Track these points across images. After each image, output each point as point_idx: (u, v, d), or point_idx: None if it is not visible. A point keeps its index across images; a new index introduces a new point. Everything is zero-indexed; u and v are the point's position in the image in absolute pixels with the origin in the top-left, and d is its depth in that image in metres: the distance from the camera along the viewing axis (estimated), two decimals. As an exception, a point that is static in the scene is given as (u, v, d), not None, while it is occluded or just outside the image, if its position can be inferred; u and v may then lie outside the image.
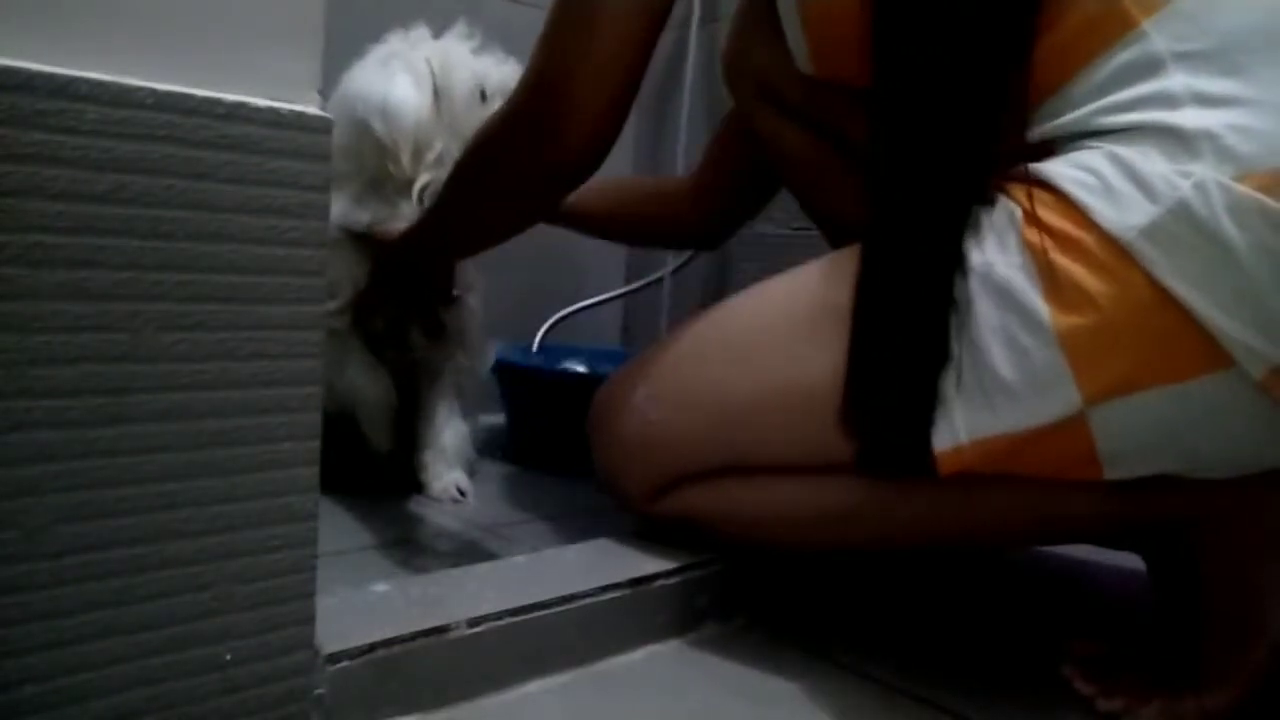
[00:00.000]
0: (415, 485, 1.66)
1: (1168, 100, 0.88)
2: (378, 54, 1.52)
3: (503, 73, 1.53)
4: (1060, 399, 0.90)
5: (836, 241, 1.33)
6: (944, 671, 1.10)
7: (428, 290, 1.48)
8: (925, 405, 0.97)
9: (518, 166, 1.12)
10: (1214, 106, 0.87)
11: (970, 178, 0.97)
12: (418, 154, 1.48)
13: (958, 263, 0.95)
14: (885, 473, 1.03)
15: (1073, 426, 0.91)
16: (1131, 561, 1.36)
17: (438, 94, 1.50)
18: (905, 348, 0.98)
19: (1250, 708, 0.97)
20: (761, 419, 1.10)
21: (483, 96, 1.51)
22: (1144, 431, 0.91)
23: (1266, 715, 0.98)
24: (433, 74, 1.50)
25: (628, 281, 2.49)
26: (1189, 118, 0.87)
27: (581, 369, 2.09)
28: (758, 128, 1.37)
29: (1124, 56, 0.91)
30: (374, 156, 1.47)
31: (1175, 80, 0.88)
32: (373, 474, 1.62)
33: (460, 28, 1.56)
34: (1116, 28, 0.92)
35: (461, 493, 1.64)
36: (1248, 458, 0.95)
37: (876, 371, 1.00)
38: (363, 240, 1.49)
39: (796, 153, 1.32)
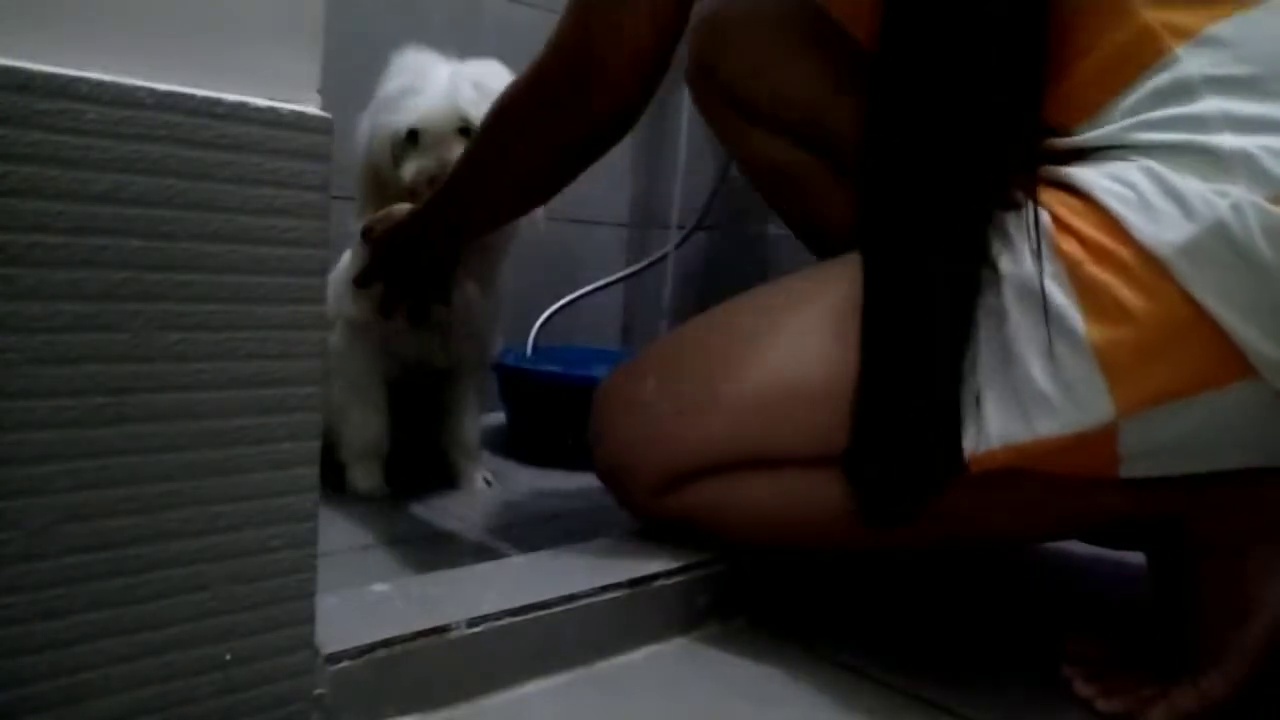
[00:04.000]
0: (422, 482, 1.68)
1: (1201, 123, 0.89)
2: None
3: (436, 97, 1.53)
4: (1094, 410, 0.91)
5: (822, 253, 1.33)
6: (945, 671, 1.10)
7: (433, 274, 1.48)
8: (936, 443, 0.98)
9: (550, 129, 1.14)
10: (1248, 130, 0.88)
11: (982, 179, 0.98)
12: None
13: (977, 267, 0.96)
14: (884, 521, 1.03)
15: (1102, 434, 0.92)
16: (1133, 560, 1.36)
17: None
18: (916, 366, 0.99)
19: (1249, 699, 0.98)
20: (782, 411, 1.10)
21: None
22: (1167, 438, 0.92)
23: (1266, 711, 0.98)
24: None
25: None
26: (1224, 140, 0.88)
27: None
28: (731, 140, 1.41)
29: (1157, 81, 0.93)
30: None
31: (1208, 104, 0.89)
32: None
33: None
34: (1150, 54, 0.93)
35: (488, 483, 1.71)
36: (1256, 457, 0.95)
37: (888, 391, 1.01)
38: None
39: (775, 162, 1.35)
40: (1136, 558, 1.29)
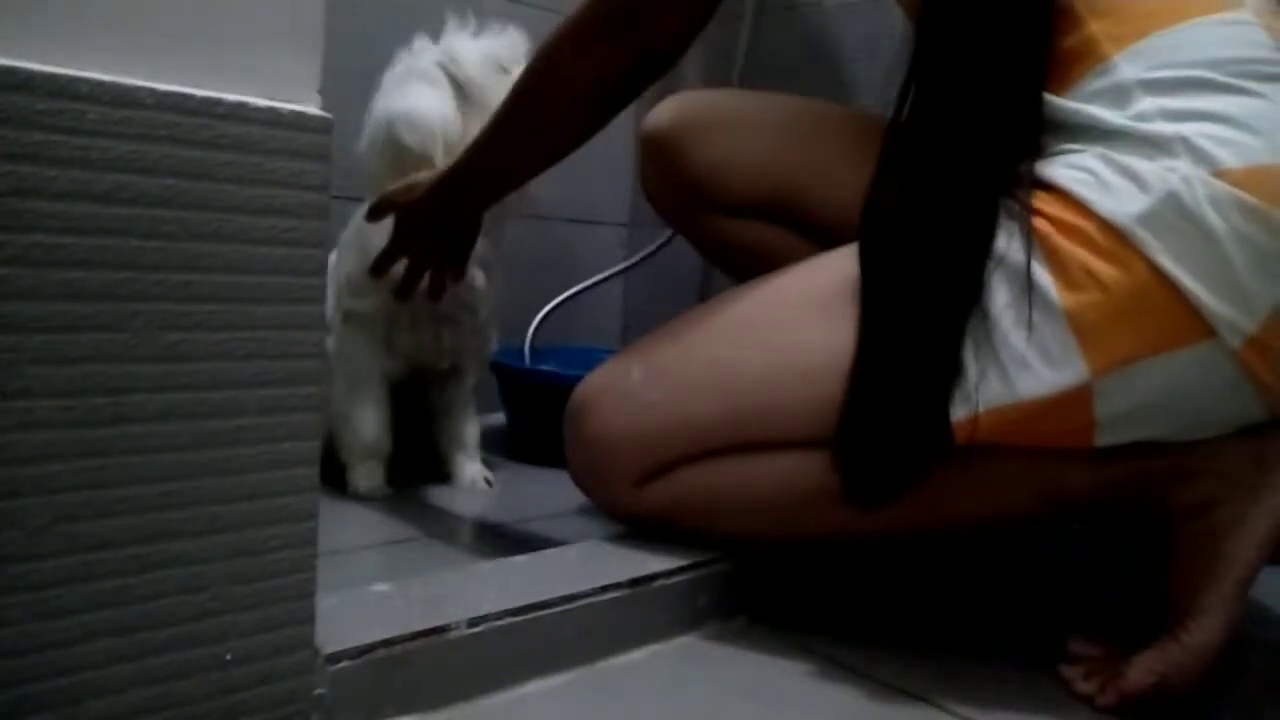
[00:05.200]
0: (423, 482, 1.69)
1: (1139, 116, 1.00)
2: (391, 76, 1.60)
3: (507, 43, 1.60)
4: (1069, 371, 0.98)
5: None
6: (946, 671, 1.10)
7: (455, 245, 1.50)
8: (928, 415, 1.03)
9: (595, 65, 1.19)
10: (1182, 120, 0.98)
11: (994, 172, 1.05)
12: (450, 148, 1.53)
13: (980, 256, 1.02)
14: (870, 498, 1.08)
15: (1078, 396, 0.99)
16: (1128, 560, 1.37)
17: (458, 88, 1.57)
18: (913, 344, 1.04)
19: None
20: (773, 391, 1.13)
21: (502, 71, 1.57)
22: (1138, 398, 1.00)
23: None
24: (446, 73, 1.57)
25: (625, 279, 2.49)
26: (1161, 128, 0.98)
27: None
28: (702, 234, 1.51)
29: (1097, 84, 1.04)
30: (412, 164, 1.52)
31: (1144, 103, 1.00)
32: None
33: (454, 22, 1.60)
34: (1091, 60, 1.05)
35: (488, 482, 1.72)
36: (1219, 421, 1.04)
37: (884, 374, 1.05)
38: None
39: (750, 242, 1.45)
40: (1136, 560, 1.29)
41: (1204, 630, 1.01)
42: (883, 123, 1.12)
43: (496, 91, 1.48)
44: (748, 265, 1.38)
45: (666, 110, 1.45)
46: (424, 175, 1.44)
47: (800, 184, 1.41)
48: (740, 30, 2.20)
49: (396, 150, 1.54)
